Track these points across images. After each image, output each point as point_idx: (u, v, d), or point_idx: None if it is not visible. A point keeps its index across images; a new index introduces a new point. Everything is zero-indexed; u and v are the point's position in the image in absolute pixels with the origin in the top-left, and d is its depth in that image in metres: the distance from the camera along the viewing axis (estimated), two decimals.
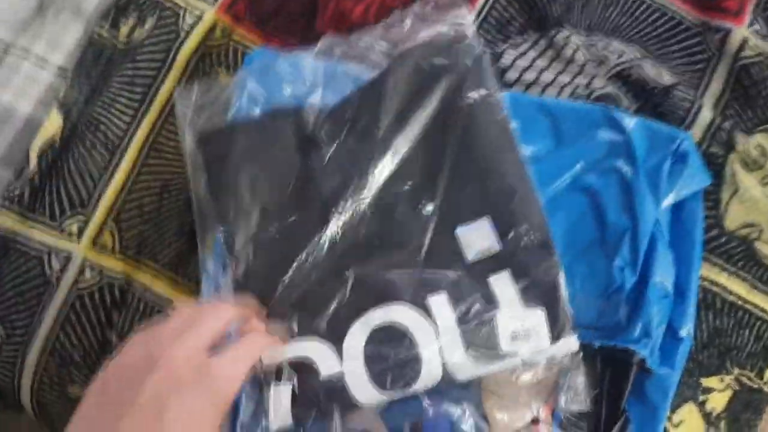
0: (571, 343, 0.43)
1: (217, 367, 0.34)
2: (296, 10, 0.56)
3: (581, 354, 0.44)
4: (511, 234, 0.44)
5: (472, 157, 0.46)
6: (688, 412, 0.50)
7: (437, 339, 0.42)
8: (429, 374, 0.42)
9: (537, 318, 0.43)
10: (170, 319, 0.36)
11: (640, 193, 0.46)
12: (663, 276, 0.46)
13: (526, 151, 0.48)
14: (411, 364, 0.42)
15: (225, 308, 0.38)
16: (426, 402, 0.44)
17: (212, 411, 0.33)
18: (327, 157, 0.47)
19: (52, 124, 0.54)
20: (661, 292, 0.46)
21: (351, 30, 0.56)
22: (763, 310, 0.51)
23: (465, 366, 0.42)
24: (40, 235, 0.53)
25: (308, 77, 0.49)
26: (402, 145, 0.46)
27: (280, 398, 0.42)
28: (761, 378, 0.51)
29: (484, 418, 0.46)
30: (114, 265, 0.53)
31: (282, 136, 0.48)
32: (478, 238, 0.44)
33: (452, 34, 0.48)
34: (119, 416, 0.32)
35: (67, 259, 0.52)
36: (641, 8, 0.55)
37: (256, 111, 0.49)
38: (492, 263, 0.44)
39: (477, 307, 0.43)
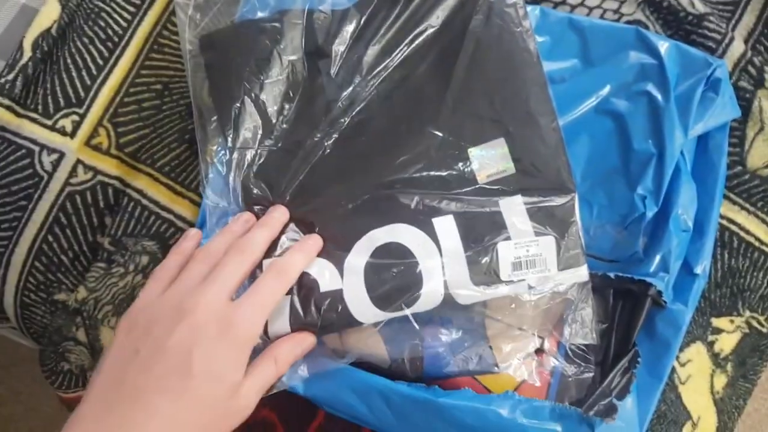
0: (580, 273, 0.40)
1: (238, 316, 0.35)
2: None
3: (590, 285, 0.41)
4: (527, 158, 0.40)
5: (490, 69, 0.42)
6: (697, 352, 0.48)
7: (441, 260, 0.39)
8: (430, 295, 0.39)
9: (546, 245, 0.40)
10: (195, 263, 0.37)
11: (670, 120, 0.43)
12: (684, 209, 0.43)
13: (553, 67, 0.45)
14: (412, 284, 0.38)
15: (249, 251, 0.38)
16: (427, 333, 0.41)
17: (235, 355, 0.34)
18: (335, 69, 0.43)
19: (49, 12, 0.49)
20: (682, 225, 0.43)
21: None
22: None
23: (467, 289, 0.39)
24: (31, 129, 0.49)
25: None
26: (413, 56, 0.42)
27: (280, 310, 0.39)
28: None
29: (489, 347, 0.44)
30: (109, 165, 0.49)
31: (290, 44, 0.44)
32: (491, 159, 0.41)
33: None
34: (150, 357, 0.33)
35: (60, 156, 0.48)
36: None
37: (265, 13, 0.45)
38: (504, 186, 0.40)
39: (484, 230, 0.40)
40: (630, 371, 0.41)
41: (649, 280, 0.42)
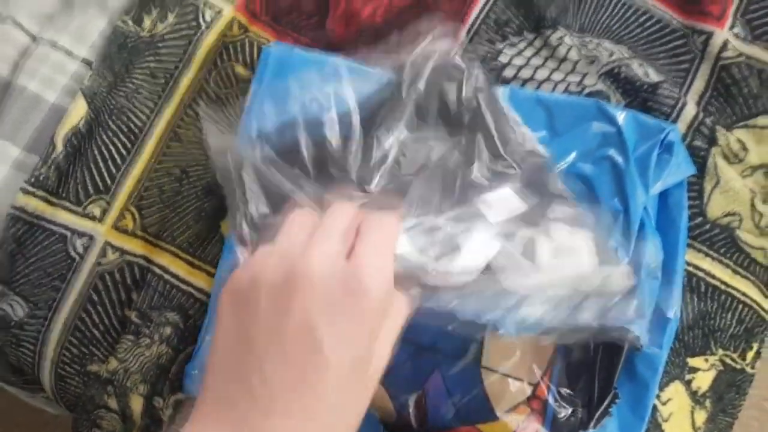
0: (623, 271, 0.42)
1: (362, 268, 0.28)
2: (309, 9, 0.58)
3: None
4: None
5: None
6: (676, 391, 0.51)
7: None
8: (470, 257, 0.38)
9: (583, 239, 0.43)
10: (287, 231, 0.30)
11: (631, 180, 0.47)
12: (652, 259, 0.47)
13: None
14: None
15: (344, 205, 0.32)
16: (430, 385, 0.45)
17: (371, 318, 0.28)
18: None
19: (77, 110, 0.55)
20: (651, 273, 0.47)
21: (360, 31, 0.57)
22: (744, 294, 0.52)
23: (506, 266, 0.39)
24: (64, 217, 0.53)
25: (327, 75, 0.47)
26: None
27: None
28: (744, 359, 0.52)
29: (486, 397, 0.47)
30: (134, 245, 0.53)
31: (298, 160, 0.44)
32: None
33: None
34: (267, 348, 0.26)
35: (90, 240, 0.53)
36: (630, 11, 0.57)
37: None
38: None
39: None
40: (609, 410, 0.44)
41: (627, 326, 0.45)
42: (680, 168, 0.49)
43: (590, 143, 0.49)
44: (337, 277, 0.27)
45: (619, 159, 0.48)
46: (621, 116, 0.49)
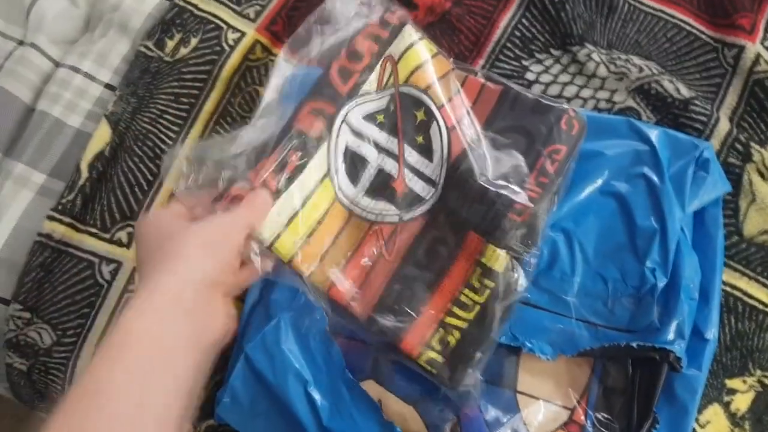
0: None
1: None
2: None
3: None
4: None
5: None
6: (714, 413, 0.49)
7: None
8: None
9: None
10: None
11: (667, 198, 0.46)
12: (690, 279, 0.46)
13: None
14: None
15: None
16: (466, 413, 0.43)
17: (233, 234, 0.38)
18: None
19: (102, 136, 0.54)
20: (690, 294, 0.46)
21: None
22: None
23: None
24: (91, 242, 0.52)
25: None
26: None
27: None
28: None
29: (523, 422, 0.46)
30: None
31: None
32: None
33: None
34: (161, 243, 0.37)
35: (118, 266, 0.52)
36: (658, 26, 0.55)
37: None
38: None
39: None
40: None
41: (668, 348, 0.44)
42: (716, 185, 0.47)
43: (623, 161, 0.48)
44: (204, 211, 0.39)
45: (655, 177, 0.47)
46: (654, 133, 0.48)
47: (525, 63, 0.55)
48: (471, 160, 0.44)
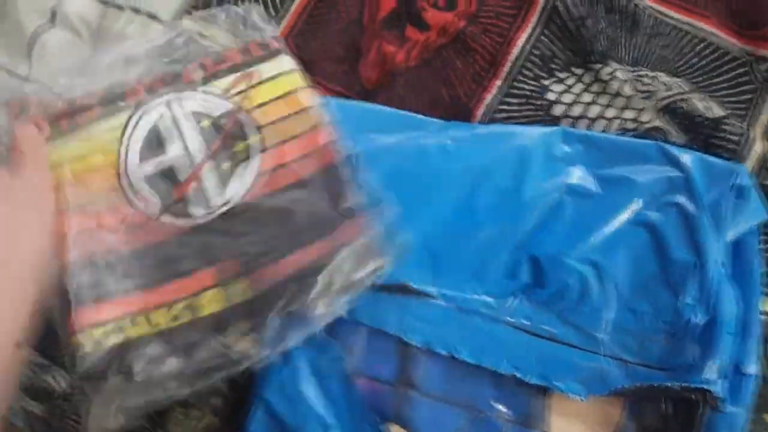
0: None
1: None
2: (339, 54, 0.54)
3: None
4: None
5: None
6: None
7: None
8: None
9: None
10: None
11: (704, 229, 0.43)
12: (730, 314, 0.43)
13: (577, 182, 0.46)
14: None
15: None
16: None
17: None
18: None
19: None
20: (730, 330, 0.43)
21: (393, 74, 0.53)
22: None
23: None
24: None
25: None
26: None
27: None
28: None
29: None
30: None
31: None
32: None
33: None
34: None
35: None
36: (685, 39, 0.52)
37: None
38: None
39: None
40: None
41: (708, 388, 0.41)
42: (754, 213, 0.44)
43: (654, 189, 0.45)
44: None
45: (690, 206, 0.44)
46: (687, 158, 0.45)
47: (545, 82, 0.52)
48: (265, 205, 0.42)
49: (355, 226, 0.41)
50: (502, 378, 0.44)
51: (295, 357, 0.44)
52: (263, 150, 0.43)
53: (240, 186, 0.43)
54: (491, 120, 0.51)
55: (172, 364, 0.39)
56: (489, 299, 0.47)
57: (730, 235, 0.44)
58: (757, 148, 0.48)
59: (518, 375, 0.44)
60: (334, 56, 0.54)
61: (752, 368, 0.43)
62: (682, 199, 0.44)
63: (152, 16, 0.56)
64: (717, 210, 0.43)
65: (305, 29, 0.55)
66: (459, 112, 0.52)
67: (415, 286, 0.47)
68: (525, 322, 0.46)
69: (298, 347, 0.44)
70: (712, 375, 0.42)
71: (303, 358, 0.44)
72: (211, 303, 0.40)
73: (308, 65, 0.54)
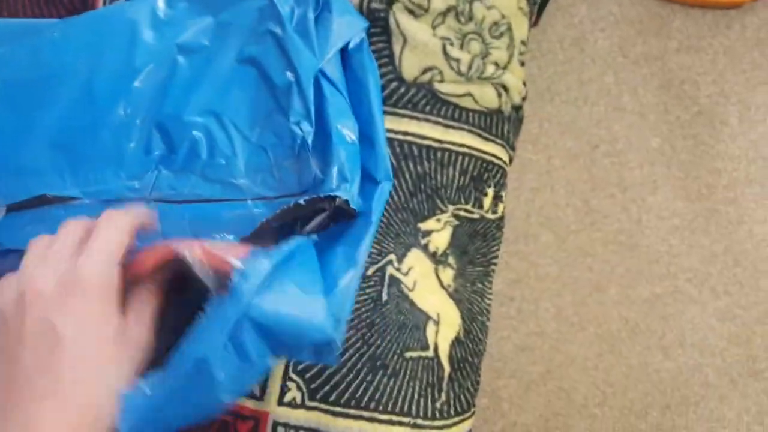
0: None
1: (81, 265, 0.31)
2: None
3: None
4: None
5: None
6: (415, 258, 0.47)
7: None
8: None
9: None
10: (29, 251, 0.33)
11: (294, 48, 0.42)
12: (342, 124, 0.43)
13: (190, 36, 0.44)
14: None
15: (74, 221, 0.34)
16: None
17: (100, 309, 0.31)
18: None
19: None
20: (346, 138, 0.42)
21: None
22: (461, 145, 0.49)
23: None
24: None
25: None
26: None
27: None
28: (481, 207, 0.49)
29: None
30: None
31: None
32: None
33: None
34: (14, 351, 0.30)
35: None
36: None
37: None
38: None
39: None
40: None
41: (333, 194, 0.40)
42: (351, 25, 0.45)
43: (251, 23, 0.44)
44: (61, 281, 0.31)
45: (278, 30, 0.43)
46: None
47: None
48: None
49: None
50: None
51: None
52: None
53: None
54: None
55: None
56: (133, 182, 0.44)
57: (331, 48, 0.43)
58: None
59: None
60: None
61: (379, 175, 0.43)
62: (272, 25, 0.43)
63: None
64: (304, 27, 0.43)
65: None
66: (75, 8, 0.49)
67: (53, 194, 0.43)
68: (170, 191, 0.44)
69: None
70: (334, 183, 0.41)
71: None
72: None
73: None
